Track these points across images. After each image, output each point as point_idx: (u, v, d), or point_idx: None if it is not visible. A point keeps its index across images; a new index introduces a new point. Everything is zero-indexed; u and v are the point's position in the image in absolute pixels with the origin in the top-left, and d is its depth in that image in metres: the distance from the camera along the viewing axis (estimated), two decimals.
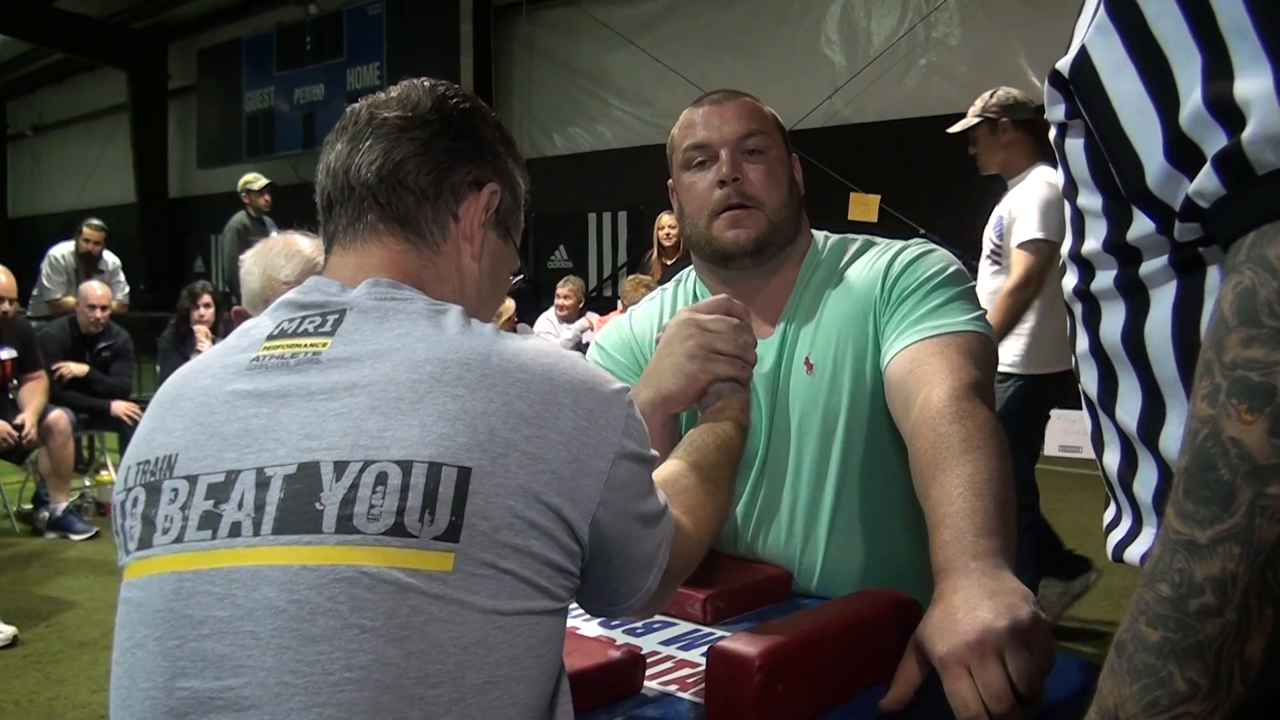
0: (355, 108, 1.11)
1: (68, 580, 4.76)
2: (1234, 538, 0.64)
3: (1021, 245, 3.77)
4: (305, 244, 2.04)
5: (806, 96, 8.32)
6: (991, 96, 4.11)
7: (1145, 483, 0.88)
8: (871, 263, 1.66)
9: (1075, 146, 0.89)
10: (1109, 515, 0.96)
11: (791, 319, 1.66)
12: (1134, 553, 0.89)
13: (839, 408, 1.60)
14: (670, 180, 1.74)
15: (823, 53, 8.68)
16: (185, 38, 14.77)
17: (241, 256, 2.07)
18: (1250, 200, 0.68)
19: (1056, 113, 0.90)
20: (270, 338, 1.00)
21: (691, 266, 1.81)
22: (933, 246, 1.66)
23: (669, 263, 6.81)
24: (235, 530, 0.89)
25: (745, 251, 1.63)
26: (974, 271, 7.22)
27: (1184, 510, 0.66)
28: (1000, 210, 4.10)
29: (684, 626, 1.39)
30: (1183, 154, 0.74)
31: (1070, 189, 0.92)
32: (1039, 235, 3.75)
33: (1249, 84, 0.68)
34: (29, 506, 5.86)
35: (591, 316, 7.89)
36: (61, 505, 5.50)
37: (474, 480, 0.87)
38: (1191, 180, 0.74)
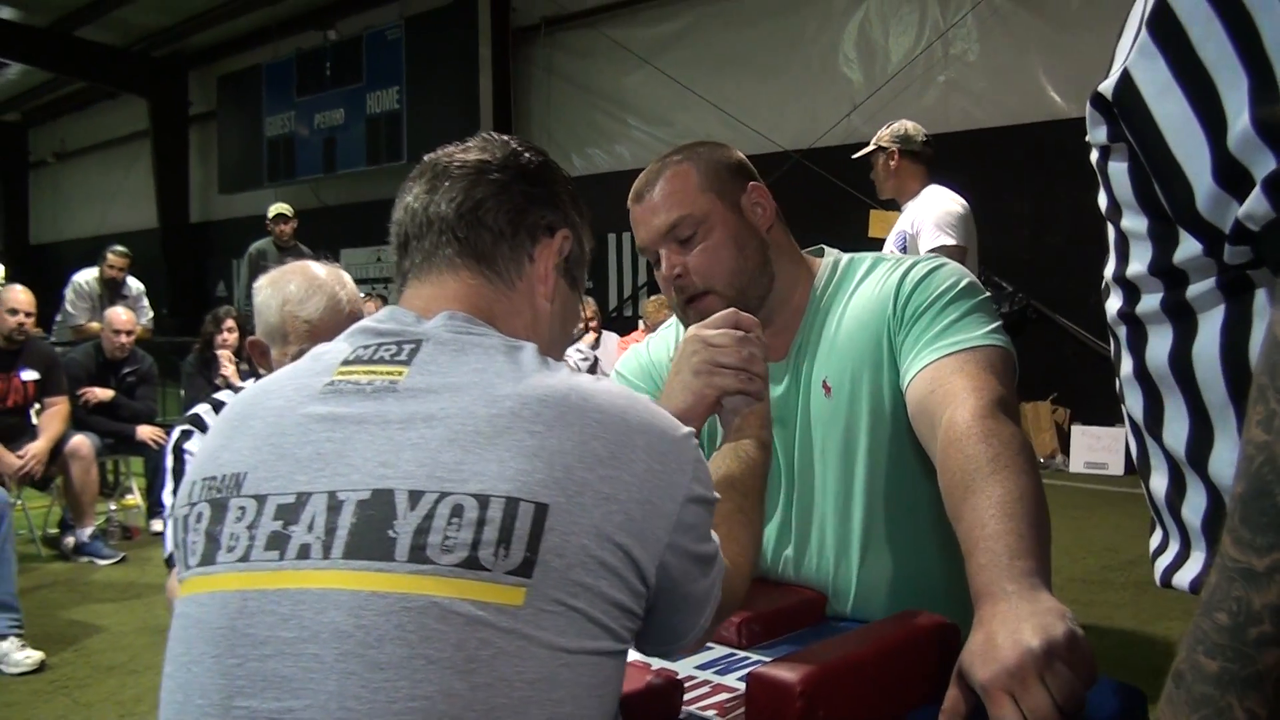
0: (433, 157, 1.14)
1: (94, 605, 4.77)
2: None
3: (930, 252, 3.94)
4: (322, 273, 2.01)
5: (825, 114, 8.33)
6: (887, 129, 4.45)
7: (1194, 507, 0.87)
8: (882, 281, 1.64)
9: (1119, 169, 0.88)
10: (1155, 540, 0.95)
11: (806, 342, 1.66)
12: (1182, 578, 0.88)
13: (859, 428, 1.59)
14: None
15: (841, 71, 8.69)
16: (205, 65, 14.89)
17: (255, 284, 2.05)
18: None
19: (1099, 135, 0.90)
20: (346, 363, 1.01)
21: None
22: (944, 260, 1.64)
23: None
24: (304, 552, 0.89)
25: None
26: (989, 285, 7.23)
27: (1240, 537, 0.65)
28: (900, 225, 4.35)
29: (720, 651, 1.39)
30: (1232, 176, 0.74)
31: (1113, 211, 0.91)
32: (947, 241, 4.08)
33: None
34: (55, 531, 5.88)
35: (609, 336, 7.89)
36: (87, 530, 5.52)
37: (550, 517, 0.88)
38: (1241, 203, 0.73)
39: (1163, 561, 0.92)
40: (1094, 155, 0.93)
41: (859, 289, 1.66)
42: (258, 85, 13.45)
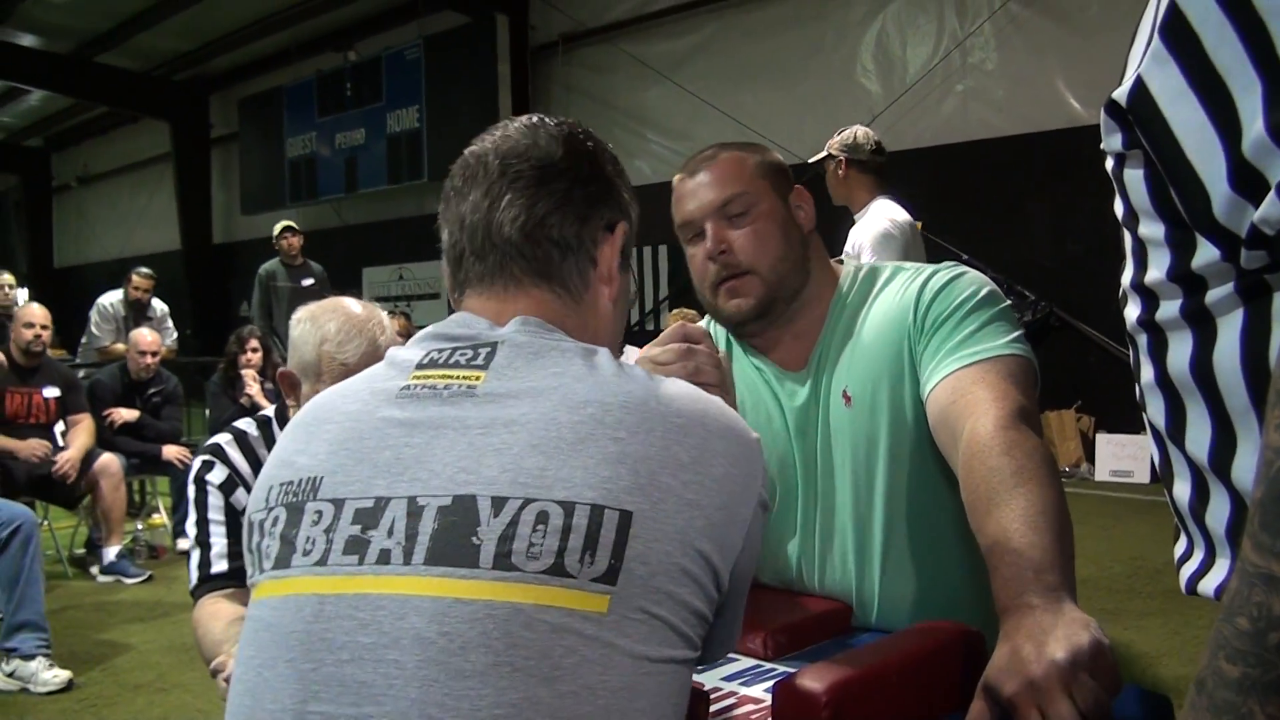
0: (482, 155, 1.09)
1: (121, 624, 4.79)
2: None
3: None
4: (361, 313, 2.00)
5: (843, 125, 8.32)
6: (838, 135, 4.41)
7: (1217, 514, 0.86)
8: (902, 289, 1.64)
9: (1135, 177, 0.88)
10: (1180, 548, 0.94)
11: (825, 352, 1.65)
12: (1208, 585, 0.88)
13: (880, 438, 1.59)
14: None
15: (859, 82, 8.69)
16: (226, 87, 15.01)
17: (295, 317, 2.05)
18: None
19: (1114, 143, 0.89)
20: (420, 366, 1.00)
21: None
22: (964, 269, 1.63)
23: None
24: (384, 557, 0.89)
25: (749, 317, 1.63)
26: (1010, 293, 7.17)
27: (1261, 543, 0.65)
28: (848, 245, 4.31)
29: (745, 662, 1.38)
30: (1247, 181, 0.74)
31: (1130, 219, 0.91)
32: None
33: None
34: (81, 551, 5.91)
35: (630, 350, 7.87)
36: (114, 549, 5.54)
37: (635, 524, 0.88)
38: (1256, 208, 0.73)
39: (1188, 569, 0.92)
40: (1109, 163, 0.93)
41: (879, 298, 1.66)
42: (279, 107, 13.54)
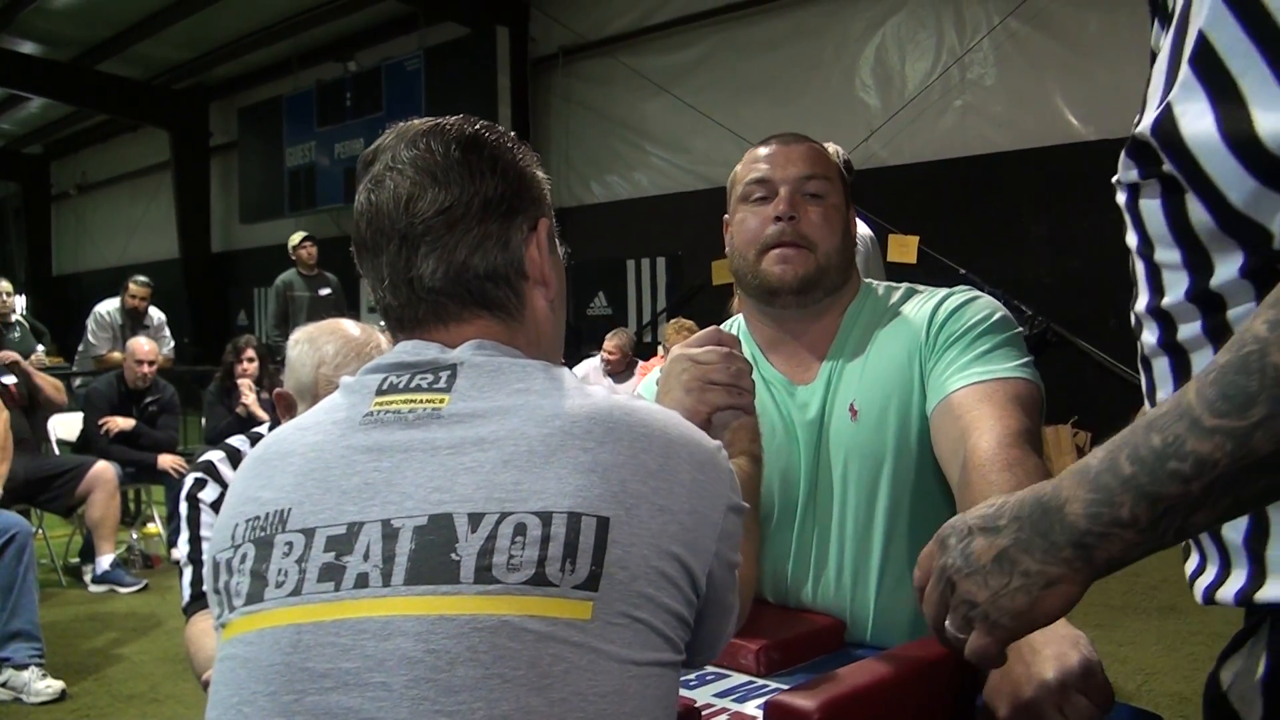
0: (383, 206, 1.06)
1: (114, 634, 4.78)
2: (1232, 436, 0.71)
3: None
4: (356, 334, 2.00)
5: (842, 140, 8.25)
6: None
7: (1235, 524, 0.86)
8: (916, 309, 1.65)
9: (1151, 206, 0.89)
10: (1192, 564, 0.94)
11: (836, 364, 1.66)
12: (1226, 593, 0.88)
13: (884, 455, 1.59)
14: (726, 215, 1.75)
15: (858, 96, 8.69)
16: (226, 96, 15.01)
17: (292, 338, 2.04)
18: None
19: (1130, 175, 0.90)
20: (381, 392, 1.01)
21: (738, 315, 1.81)
22: (977, 293, 1.65)
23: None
24: (362, 581, 0.89)
25: (790, 288, 1.63)
26: (1015, 313, 7.18)
27: (1205, 395, 0.73)
28: None
29: (737, 678, 1.38)
30: (1273, 174, 0.76)
31: (1145, 247, 0.91)
32: None
33: None
34: (76, 560, 5.90)
35: (587, 364, 7.88)
36: (108, 558, 5.53)
37: (612, 530, 0.89)
38: None
39: (1202, 582, 0.92)
40: (1121, 196, 0.94)
41: (893, 316, 1.67)
42: (278, 116, 13.54)
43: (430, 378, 1.00)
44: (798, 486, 1.64)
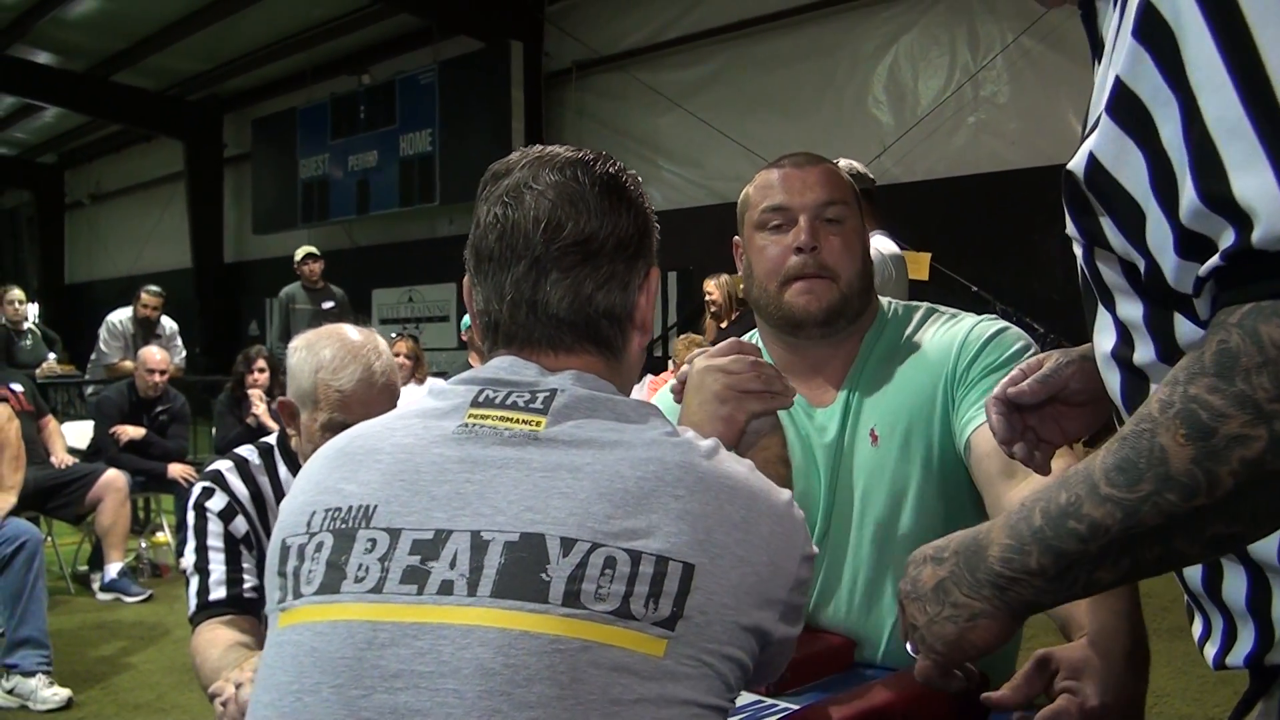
0: (520, 224, 1.06)
1: (122, 643, 4.78)
2: (1122, 507, 0.77)
3: None
4: (358, 339, 1.98)
5: (855, 156, 8.24)
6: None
7: (1234, 587, 0.87)
8: (942, 333, 1.63)
9: (1106, 258, 0.90)
10: (1198, 629, 0.95)
11: (855, 388, 1.64)
12: (1236, 657, 0.88)
13: (909, 479, 1.58)
14: (736, 237, 1.73)
15: (871, 113, 8.70)
16: (240, 108, 15.07)
17: (291, 345, 2.04)
18: (1250, 272, 0.72)
19: (1077, 231, 0.92)
20: (476, 404, 1.02)
21: (754, 330, 1.79)
22: (1006, 323, 1.64)
23: (723, 325, 6.86)
24: (447, 588, 0.90)
25: (815, 320, 1.61)
26: (1019, 325, 7.18)
27: (1105, 464, 0.78)
28: None
29: (747, 697, 1.37)
30: (1190, 247, 0.76)
31: (1108, 299, 0.92)
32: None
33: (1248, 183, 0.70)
34: (84, 568, 5.90)
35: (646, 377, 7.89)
36: (116, 566, 5.53)
37: (697, 577, 0.91)
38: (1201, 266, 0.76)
39: (1211, 648, 0.92)
40: (1078, 251, 0.95)
41: (915, 339, 1.65)
42: (292, 128, 13.58)
43: (527, 397, 1.01)
44: (816, 508, 1.63)
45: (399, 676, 0.88)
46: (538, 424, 0.99)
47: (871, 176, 4.40)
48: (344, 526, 0.97)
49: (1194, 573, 0.91)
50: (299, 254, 8.50)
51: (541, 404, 1.00)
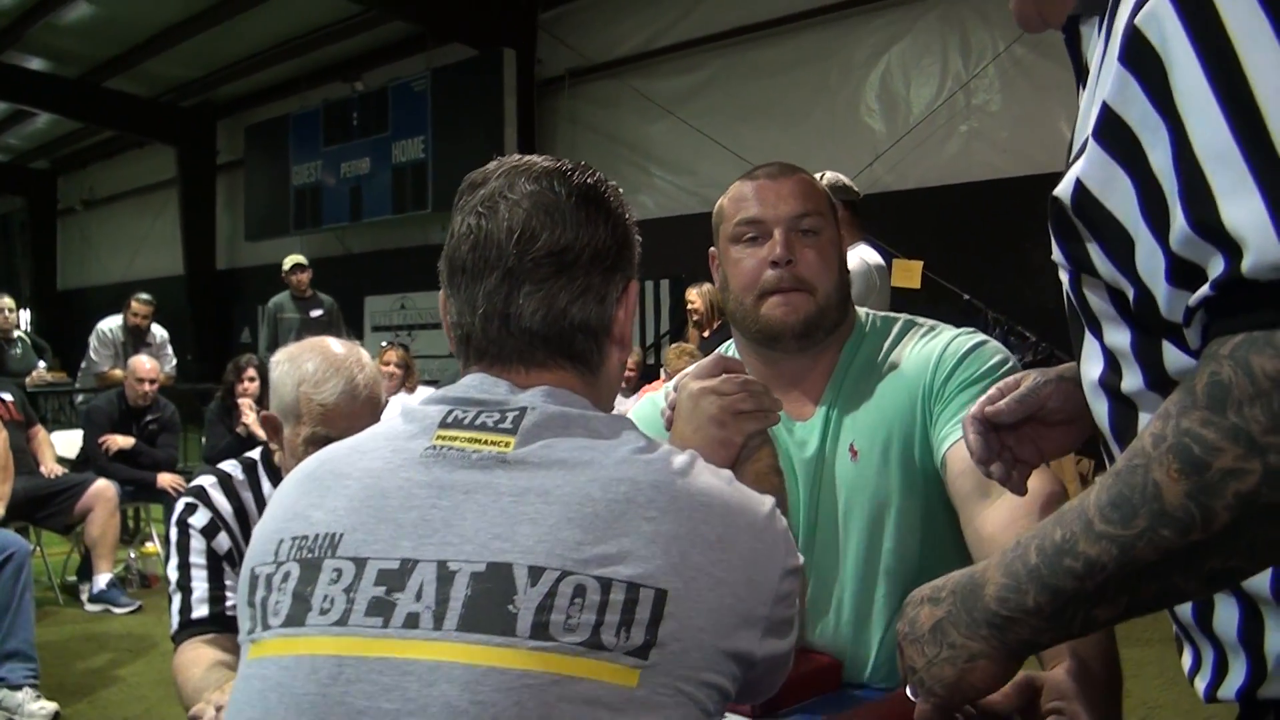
0: (494, 234, 1.04)
1: (110, 655, 4.75)
2: (1117, 543, 0.76)
3: None
4: (340, 352, 1.96)
5: (847, 164, 8.31)
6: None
7: (1225, 619, 0.86)
8: (920, 347, 1.62)
9: (1094, 284, 0.89)
10: (1187, 662, 0.94)
11: (834, 403, 1.63)
12: (1228, 691, 0.87)
13: (889, 495, 1.57)
14: (713, 249, 1.72)
15: (863, 121, 8.71)
16: (233, 114, 15.06)
17: (274, 359, 2.02)
18: (1242, 302, 0.71)
19: (1063, 257, 0.91)
20: (444, 425, 0.99)
21: (731, 341, 1.78)
22: (984, 336, 1.63)
23: (705, 334, 6.91)
24: (412, 621, 0.87)
25: (793, 333, 1.60)
26: (1010, 334, 7.13)
27: (1099, 500, 0.78)
28: None
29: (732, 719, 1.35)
30: (1181, 275, 0.76)
31: (1095, 327, 0.91)
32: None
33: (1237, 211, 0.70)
34: (73, 578, 5.88)
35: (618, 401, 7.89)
36: (105, 577, 5.51)
37: (670, 603, 0.88)
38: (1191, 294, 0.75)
39: (1201, 681, 0.91)
40: (1065, 278, 0.94)
41: (892, 353, 1.64)
42: (285, 135, 13.57)
43: (496, 417, 0.99)
44: (797, 525, 1.61)
45: (364, 714, 0.85)
46: (506, 445, 0.96)
47: (855, 189, 4.39)
48: (310, 556, 0.94)
49: (1184, 604, 0.90)
50: (286, 264, 8.47)
51: (511, 423, 0.97)
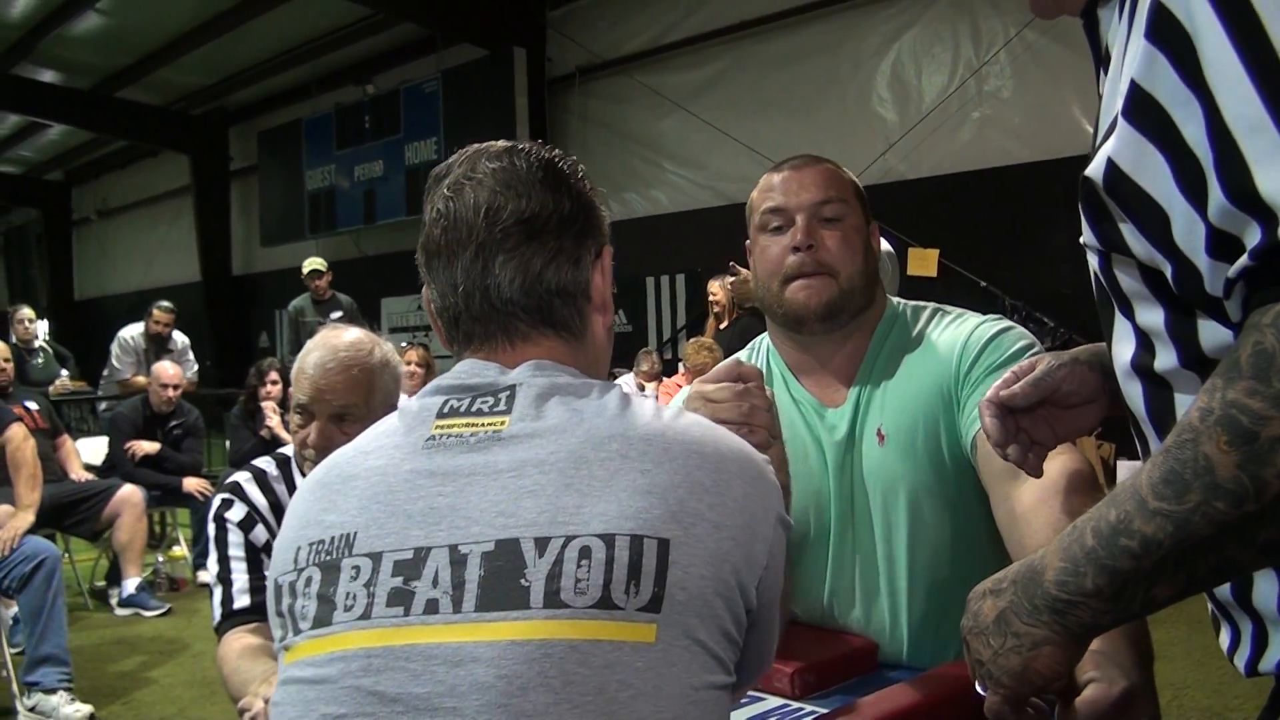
0: (462, 214, 1.07)
1: (142, 657, 4.79)
2: (1172, 519, 0.76)
3: None
4: (340, 333, 2.03)
5: (860, 154, 8.34)
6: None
7: (1265, 593, 0.86)
8: (947, 334, 1.64)
9: (1125, 263, 0.90)
10: (1225, 639, 0.94)
11: (863, 388, 1.65)
12: (1268, 663, 0.88)
13: (916, 479, 1.58)
14: (748, 241, 1.75)
15: (875, 110, 8.69)
16: (246, 121, 15.09)
17: (297, 358, 2.08)
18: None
19: (1093, 240, 0.92)
20: (442, 415, 1.01)
21: (765, 333, 1.81)
22: (1010, 323, 1.65)
23: (721, 326, 6.96)
24: (432, 607, 0.90)
25: (815, 315, 1.62)
26: (1029, 320, 7.10)
27: (1151, 478, 0.78)
28: None
29: (773, 701, 1.37)
30: (1221, 247, 0.76)
31: (1126, 308, 0.93)
32: None
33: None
34: (102, 584, 5.92)
35: (626, 377, 7.91)
36: (133, 582, 5.55)
37: (673, 551, 0.90)
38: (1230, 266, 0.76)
39: (1241, 655, 0.91)
40: (1094, 261, 0.95)
41: (921, 340, 1.66)
42: (297, 139, 13.61)
43: (491, 400, 1.01)
44: (828, 510, 1.63)
45: (398, 700, 0.88)
46: (501, 424, 0.98)
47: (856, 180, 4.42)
48: (328, 558, 0.97)
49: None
50: (306, 268, 8.54)
51: (505, 404, 1.00)
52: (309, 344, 2.03)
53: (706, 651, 0.92)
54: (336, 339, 2.00)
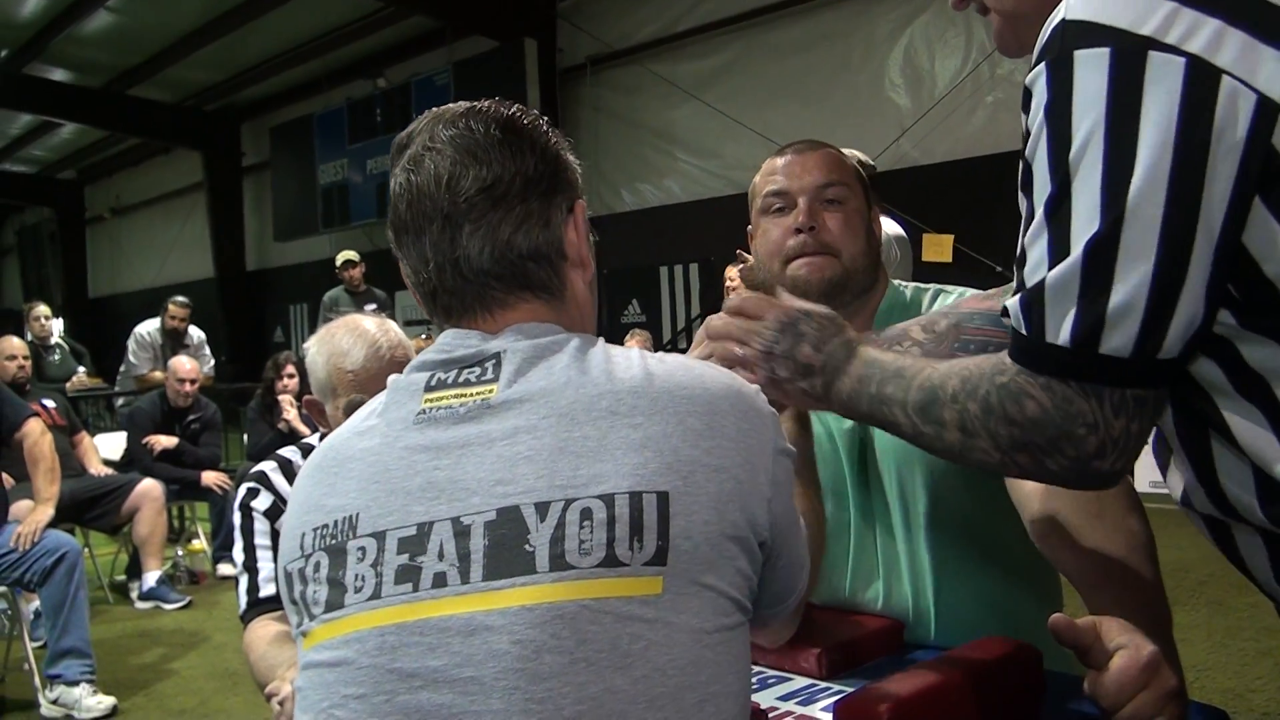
0: (424, 187, 1.05)
1: (163, 649, 4.82)
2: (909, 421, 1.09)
3: None
4: (370, 325, 2.03)
5: (873, 140, 8.32)
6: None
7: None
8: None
9: None
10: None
11: None
12: None
13: (931, 457, 1.57)
14: (750, 226, 1.75)
15: (888, 96, 8.67)
16: (257, 116, 15.14)
17: (305, 345, 2.08)
18: None
19: None
20: (430, 389, 1.01)
21: None
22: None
23: None
24: (440, 580, 0.90)
25: (817, 292, 1.62)
26: None
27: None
28: None
29: (800, 681, 1.37)
30: None
31: None
32: None
33: None
34: (122, 578, 5.95)
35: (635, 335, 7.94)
36: (154, 575, 5.58)
37: (673, 503, 0.90)
38: None
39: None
40: None
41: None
42: (310, 134, 13.63)
43: (477, 370, 1.00)
44: (846, 496, 1.64)
45: (415, 675, 0.88)
46: (489, 392, 0.97)
47: (872, 164, 4.39)
48: (334, 542, 0.97)
49: (1266, 573, 0.94)
50: (339, 259, 8.59)
51: (491, 372, 0.99)
52: (336, 339, 2.00)
53: (717, 594, 0.92)
54: (366, 329, 2.00)
